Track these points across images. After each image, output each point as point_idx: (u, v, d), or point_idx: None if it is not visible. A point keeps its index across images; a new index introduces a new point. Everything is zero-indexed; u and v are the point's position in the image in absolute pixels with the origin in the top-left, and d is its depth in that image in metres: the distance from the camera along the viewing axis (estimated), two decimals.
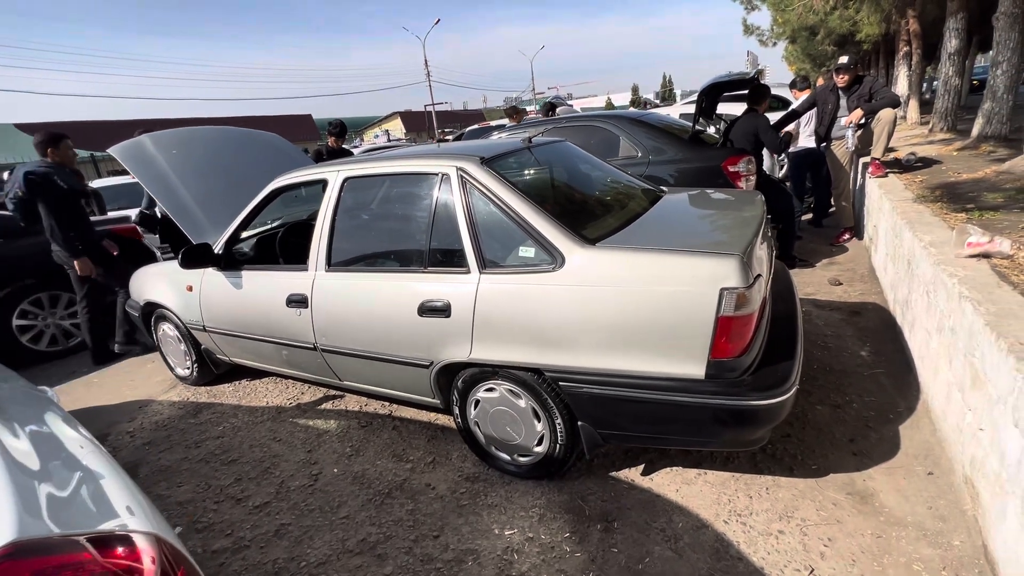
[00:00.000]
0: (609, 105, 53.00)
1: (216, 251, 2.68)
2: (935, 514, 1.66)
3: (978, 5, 6.99)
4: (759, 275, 1.68)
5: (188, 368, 3.26)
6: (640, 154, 4.00)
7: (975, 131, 5.30)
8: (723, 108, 5.24)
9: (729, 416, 1.60)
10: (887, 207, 3.42)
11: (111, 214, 5.61)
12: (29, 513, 0.77)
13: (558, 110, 7.91)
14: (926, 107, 9.65)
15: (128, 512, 0.89)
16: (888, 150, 4.52)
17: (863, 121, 4.23)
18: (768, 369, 1.66)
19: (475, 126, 11.20)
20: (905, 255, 2.76)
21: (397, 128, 46.61)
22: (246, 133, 3.84)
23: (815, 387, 2.44)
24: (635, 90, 67.13)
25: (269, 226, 3.42)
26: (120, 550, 0.79)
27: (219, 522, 2.04)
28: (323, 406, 2.88)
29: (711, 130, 4.90)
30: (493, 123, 11.42)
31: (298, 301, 2.36)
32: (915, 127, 8.57)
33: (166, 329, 3.25)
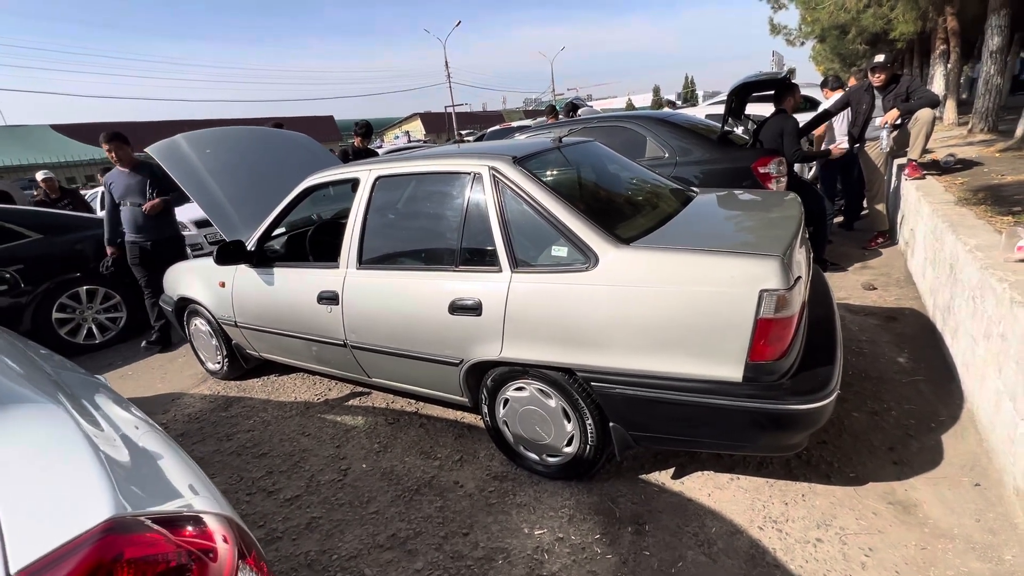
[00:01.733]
0: (629, 106, 52.62)
1: (249, 248, 2.74)
2: (984, 527, 1.59)
3: (1021, 2, 6.72)
4: (799, 277, 1.64)
5: (219, 363, 3.33)
6: (667, 155, 3.96)
7: (1019, 132, 5.10)
8: (752, 108, 5.14)
9: (767, 420, 1.56)
10: (926, 210, 3.31)
11: None
12: (120, 491, 0.79)
13: (580, 111, 7.89)
14: (963, 107, 9.32)
15: (191, 491, 0.90)
16: (925, 152, 4.38)
17: (899, 122, 4.11)
18: (808, 373, 1.62)
19: (497, 127, 11.23)
20: (947, 259, 2.67)
21: (417, 129, 47.01)
22: (277, 133, 3.92)
23: (851, 393, 2.37)
24: (656, 91, 66.53)
25: (301, 225, 3.47)
26: (190, 529, 0.80)
27: (252, 513, 2.08)
28: (350, 402, 2.92)
29: (739, 130, 4.81)
30: (515, 124, 11.42)
31: (329, 298, 2.39)
32: (952, 128, 8.29)
33: (198, 324, 3.33)
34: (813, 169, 5.85)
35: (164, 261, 3.69)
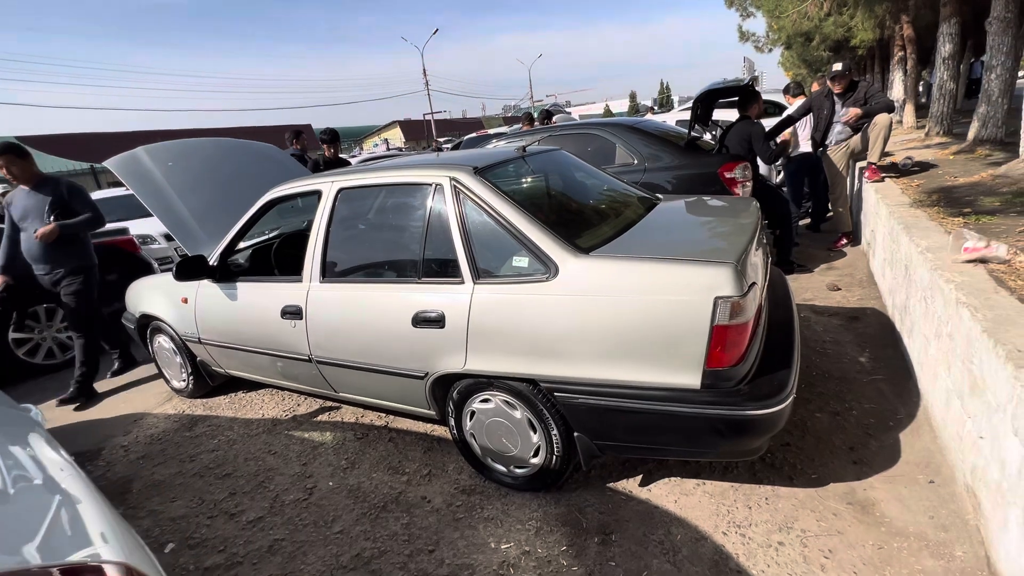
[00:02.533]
0: (607, 112, 53.30)
1: (211, 263, 2.68)
2: (937, 524, 1.63)
3: (971, 10, 7.03)
4: (754, 283, 1.66)
5: (184, 380, 3.24)
6: (636, 161, 4.01)
7: (971, 135, 5.31)
8: (719, 114, 5.25)
9: (725, 426, 1.58)
10: (884, 212, 3.41)
11: (108, 226, 5.60)
12: (7, 543, 0.76)
13: (555, 118, 7.95)
14: (921, 111, 9.68)
15: (102, 540, 0.87)
16: (884, 154, 4.52)
17: (859, 125, 4.24)
18: (765, 378, 1.64)
19: (473, 134, 11.25)
20: (903, 260, 2.75)
21: (396, 137, 46.81)
22: (241, 144, 3.85)
23: (814, 394, 2.42)
24: (633, 97, 67.57)
25: (265, 237, 3.42)
26: None
27: (212, 538, 2.02)
28: (319, 418, 2.86)
29: (707, 137, 4.91)
30: (491, 131, 11.47)
31: (293, 313, 2.35)
32: (911, 131, 8.59)
33: (161, 341, 3.24)
34: (781, 174, 6.00)
35: (69, 298, 3.36)
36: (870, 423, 2.18)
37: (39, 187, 3.30)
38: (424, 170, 2.12)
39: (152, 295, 3.18)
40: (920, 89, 12.43)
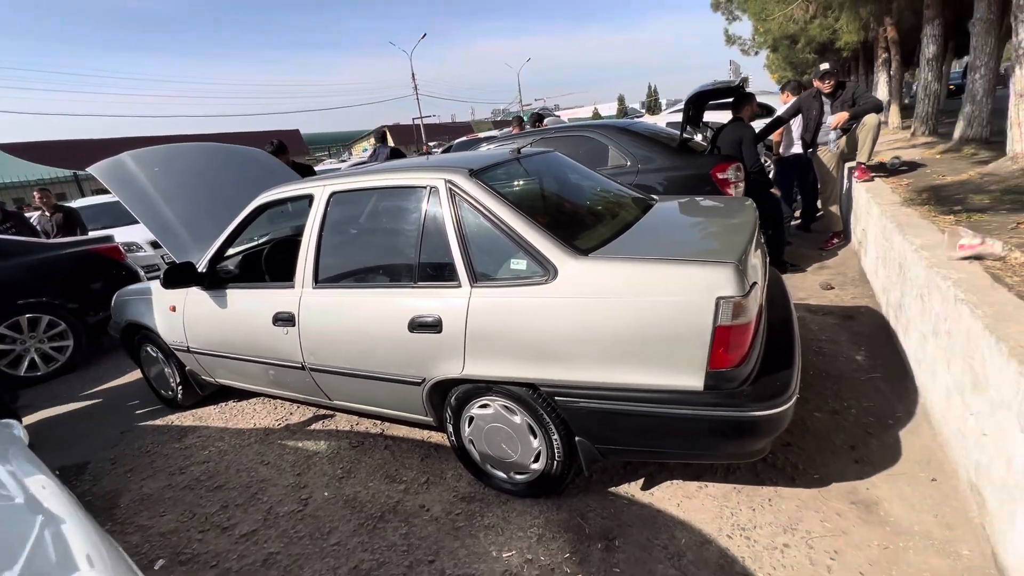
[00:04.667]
0: (596, 115, 53.58)
1: (200, 270, 2.62)
2: (941, 522, 1.62)
3: (953, 12, 7.15)
4: (755, 282, 1.65)
5: (172, 391, 3.17)
6: (629, 163, 4.01)
7: (956, 134, 5.38)
8: (710, 116, 5.28)
9: (729, 428, 1.56)
10: (875, 211, 3.44)
11: (92, 233, 5.51)
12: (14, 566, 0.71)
13: (546, 121, 7.96)
14: (907, 112, 9.83)
15: (88, 563, 0.82)
16: (873, 155, 4.56)
17: (848, 126, 4.28)
18: (767, 378, 1.63)
19: (464, 138, 11.23)
20: (896, 258, 2.76)
21: (386, 142, 46.52)
22: (229, 149, 3.79)
23: (812, 393, 2.41)
24: (621, 100, 67.98)
25: (256, 243, 3.35)
26: None
27: (204, 553, 1.96)
28: (313, 426, 2.80)
29: (698, 138, 4.93)
30: (481, 135, 11.46)
31: (285, 319, 2.30)
32: (897, 131, 8.71)
33: (149, 351, 3.16)
34: (771, 173, 6.04)
35: None
36: (869, 421, 2.18)
37: None
38: (418, 172, 2.09)
39: (139, 303, 3.11)
40: (904, 90, 12.62)
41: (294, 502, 2.17)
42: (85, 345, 4.30)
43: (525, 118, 8.65)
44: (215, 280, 2.66)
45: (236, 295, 2.56)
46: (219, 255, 2.66)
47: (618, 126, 4.32)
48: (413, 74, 34.64)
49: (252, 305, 2.49)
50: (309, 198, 2.35)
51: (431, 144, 20.94)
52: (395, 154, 7.10)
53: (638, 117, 16.81)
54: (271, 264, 3.05)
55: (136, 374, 3.77)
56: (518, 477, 1.97)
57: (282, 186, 2.51)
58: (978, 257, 2.06)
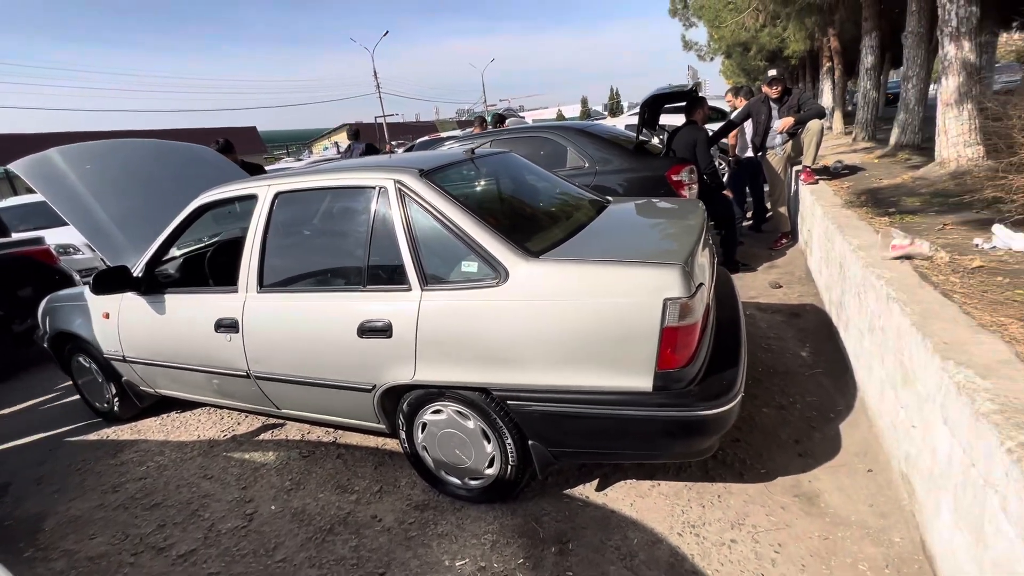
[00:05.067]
0: (560, 116, 54.11)
1: (136, 274, 2.46)
2: (876, 511, 1.70)
3: (889, 24, 7.60)
4: (701, 283, 1.68)
5: (108, 403, 2.97)
6: (587, 164, 4.04)
7: (892, 140, 5.71)
8: (666, 119, 5.40)
9: (678, 428, 1.58)
10: (819, 212, 3.59)
11: (22, 235, 5.12)
12: None
13: (507, 122, 7.96)
14: (849, 118, 10.36)
15: None
16: (817, 158, 4.78)
17: (794, 131, 4.46)
18: (714, 377, 1.66)
19: (426, 137, 11.09)
20: (837, 258, 2.89)
21: (347, 140, 45.58)
22: (171, 146, 3.59)
23: (761, 390, 2.49)
24: (584, 102, 68.91)
25: (202, 245, 3.19)
26: None
27: None
28: (261, 437, 2.68)
29: (655, 140, 5.03)
30: (444, 134, 11.34)
31: (228, 325, 2.19)
32: (840, 136, 9.18)
33: (81, 361, 2.95)
34: (725, 176, 6.24)
35: None
36: (813, 416, 2.26)
37: None
38: (367, 172, 2.03)
39: (69, 311, 2.90)
40: (847, 97, 13.34)
41: (238, 517, 2.07)
42: (11, 356, 3.99)
43: (488, 118, 8.62)
44: (152, 284, 2.51)
45: (175, 300, 2.42)
46: (157, 258, 2.51)
47: (576, 128, 4.35)
48: (375, 72, 34.02)
49: (193, 311, 2.36)
50: (253, 198, 2.25)
51: (394, 143, 20.58)
52: (370, 150, 6.96)
53: (600, 119, 17.12)
54: (214, 268, 2.90)
55: (68, 386, 3.52)
56: (473, 483, 1.95)
57: (224, 186, 2.39)
58: (908, 257, 2.17)
